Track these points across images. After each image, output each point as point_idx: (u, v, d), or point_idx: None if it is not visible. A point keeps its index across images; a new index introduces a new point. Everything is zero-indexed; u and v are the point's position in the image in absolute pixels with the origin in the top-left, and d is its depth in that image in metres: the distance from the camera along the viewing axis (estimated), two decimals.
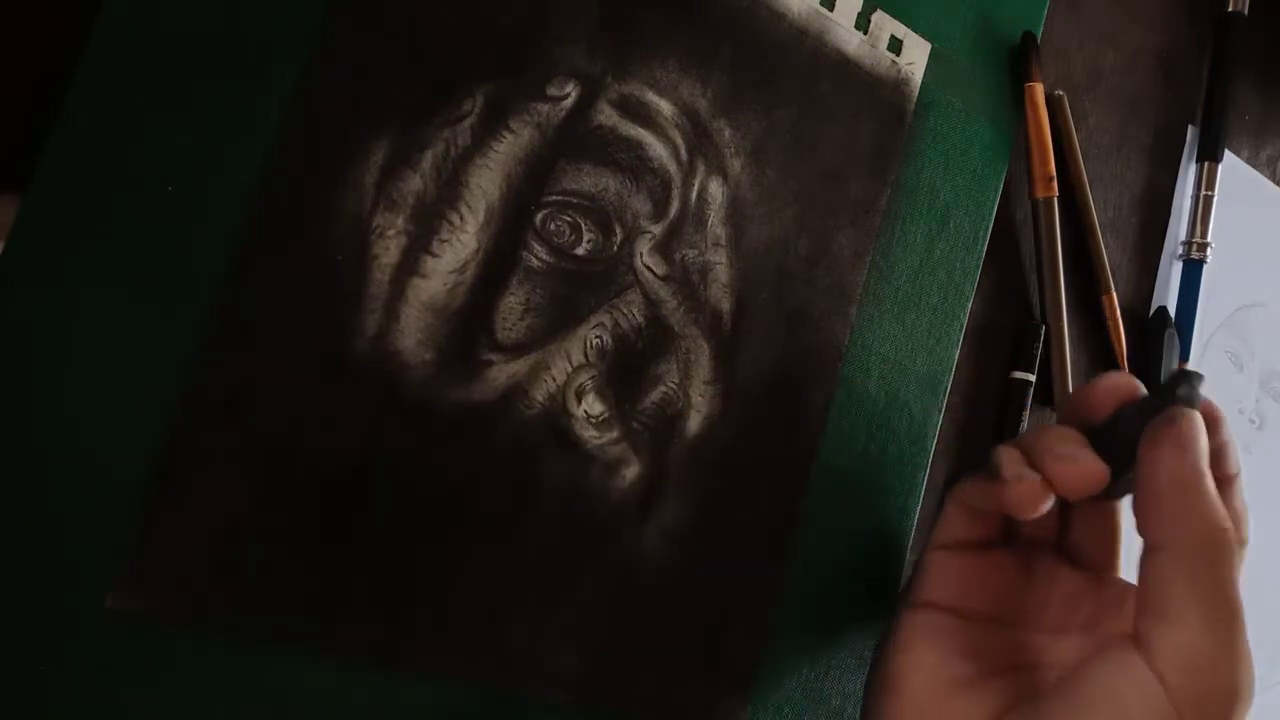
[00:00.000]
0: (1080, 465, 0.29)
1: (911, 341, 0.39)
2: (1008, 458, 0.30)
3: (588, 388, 0.33)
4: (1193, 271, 0.48)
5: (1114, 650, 0.27)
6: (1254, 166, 0.52)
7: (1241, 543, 0.29)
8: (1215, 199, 0.48)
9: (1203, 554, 0.27)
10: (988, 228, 0.41)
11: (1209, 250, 0.48)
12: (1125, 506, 0.31)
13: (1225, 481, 0.29)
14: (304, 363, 0.29)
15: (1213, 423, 0.29)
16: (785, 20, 0.36)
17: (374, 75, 0.29)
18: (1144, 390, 0.31)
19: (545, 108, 0.32)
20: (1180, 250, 0.48)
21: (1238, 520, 0.29)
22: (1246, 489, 0.30)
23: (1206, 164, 0.48)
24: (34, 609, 0.26)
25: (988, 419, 0.42)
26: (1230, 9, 0.49)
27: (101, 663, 0.26)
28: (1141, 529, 0.28)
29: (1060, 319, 0.43)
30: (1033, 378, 0.42)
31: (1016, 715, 0.28)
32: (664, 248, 0.34)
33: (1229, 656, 0.26)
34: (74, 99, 0.26)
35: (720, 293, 0.35)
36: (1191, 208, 0.49)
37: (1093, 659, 0.28)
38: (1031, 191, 0.42)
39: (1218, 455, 0.29)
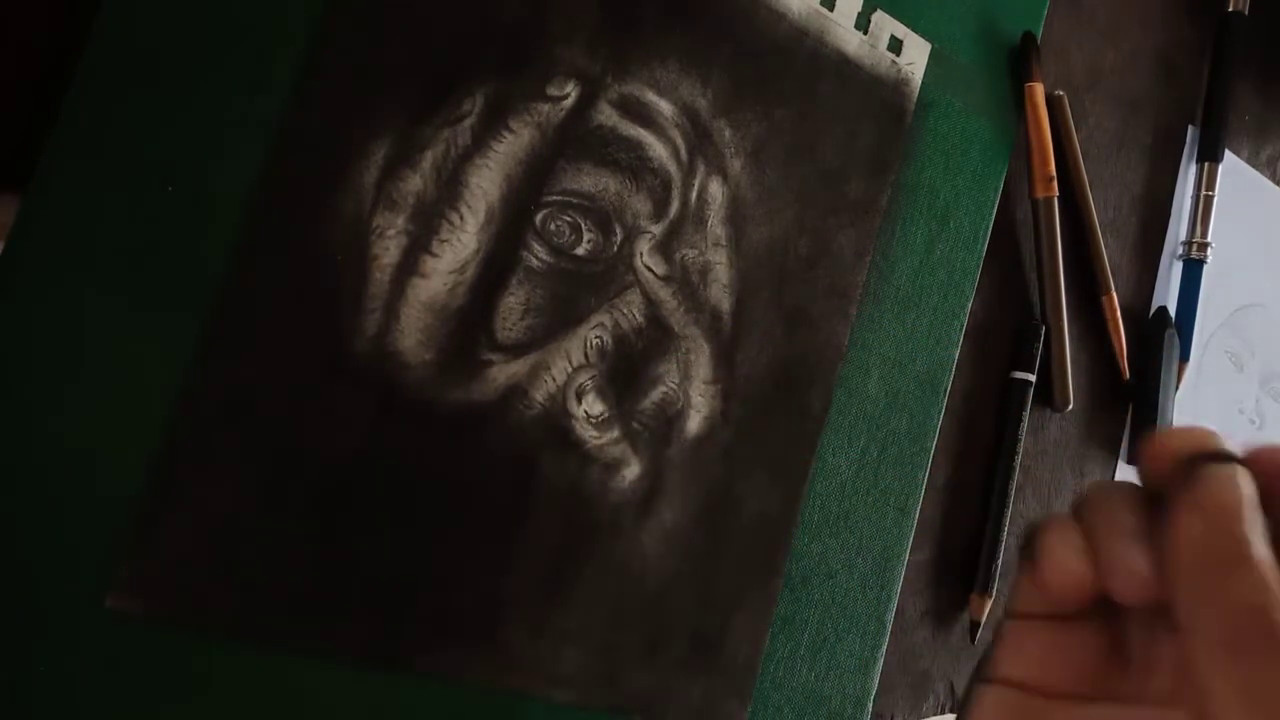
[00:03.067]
0: (1127, 567, 0.22)
1: (911, 341, 0.39)
2: (1054, 536, 0.24)
3: (588, 388, 0.33)
4: (1193, 271, 0.48)
5: None
6: (1254, 166, 0.52)
7: None
8: (1215, 199, 0.48)
9: (1235, 643, 0.21)
10: (988, 228, 0.41)
11: (1209, 250, 0.48)
12: None
13: None
14: (304, 363, 0.29)
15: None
16: (785, 20, 0.36)
17: (374, 75, 0.29)
18: (1216, 444, 0.24)
19: (545, 108, 0.32)
20: (1180, 250, 0.48)
21: None
22: None
23: (1206, 164, 0.48)
24: (34, 609, 0.26)
25: (988, 419, 0.42)
26: (1230, 9, 0.49)
27: (101, 663, 0.26)
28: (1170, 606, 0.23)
29: (1060, 319, 0.43)
30: (1033, 378, 0.42)
31: None
32: (664, 248, 0.34)
33: None
34: (74, 99, 0.26)
35: (720, 293, 0.35)
36: (1191, 208, 0.49)
37: None
38: (1031, 191, 0.42)
39: None
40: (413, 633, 0.30)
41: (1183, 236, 0.49)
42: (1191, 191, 0.49)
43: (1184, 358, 0.47)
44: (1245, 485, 0.21)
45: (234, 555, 0.28)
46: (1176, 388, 0.47)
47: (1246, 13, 0.49)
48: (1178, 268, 0.48)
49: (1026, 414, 0.42)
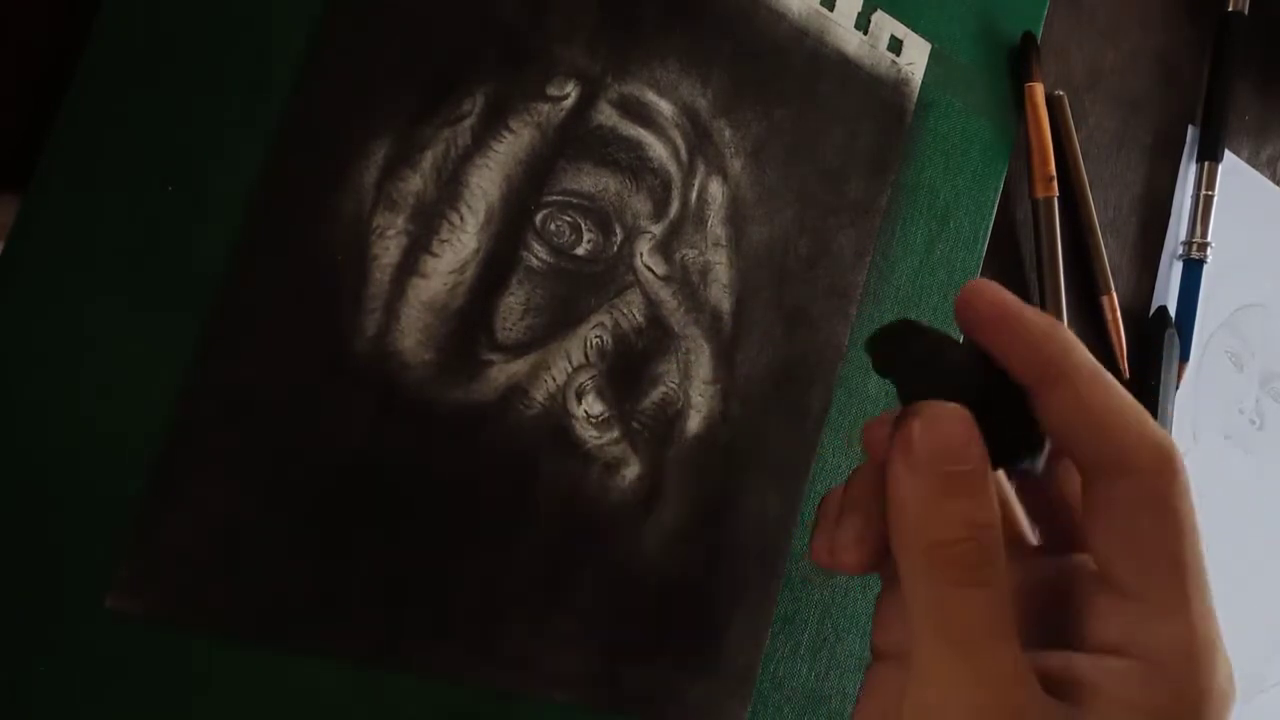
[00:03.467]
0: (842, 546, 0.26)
1: None
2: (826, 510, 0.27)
3: (588, 388, 0.33)
4: (1193, 271, 0.48)
5: None
6: (1254, 166, 0.52)
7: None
8: (1215, 199, 0.48)
9: (921, 575, 0.23)
10: (988, 228, 0.41)
11: (1209, 250, 0.48)
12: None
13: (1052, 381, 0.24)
14: (304, 363, 0.29)
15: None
16: (785, 20, 0.36)
17: (374, 75, 0.29)
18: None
19: (545, 107, 0.32)
20: (1180, 250, 0.48)
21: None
22: (1246, 489, 0.28)
23: (1206, 164, 0.48)
24: (34, 609, 0.26)
25: None
26: (1230, 9, 0.49)
27: (101, 663, 0.26)
28: None
29: (1060, 319, 0.43)
30: None
31: None
32: (664, 248, 0.34)
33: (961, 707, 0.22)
34: (74, 99, 0.26)
35: (720, 293, 0.35)
36: (1191, 208, 0.49)
37: None
38: (1031, 191, 0.42)
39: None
40: (413, 633, 0.30)
41: (1183, 236, 0.49)
42: (1191, 191, 0.49)
43: (1184, 358, 0.47)
44: (937, 434, 0.24)
45: (234, 555, 0.28)
46: (1176, 387, 0.47)
47: (1246, 12, 0.49)
48: (1178, 268, 0.48)
49: None
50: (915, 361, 0.25)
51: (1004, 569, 0.23)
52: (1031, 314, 0.25)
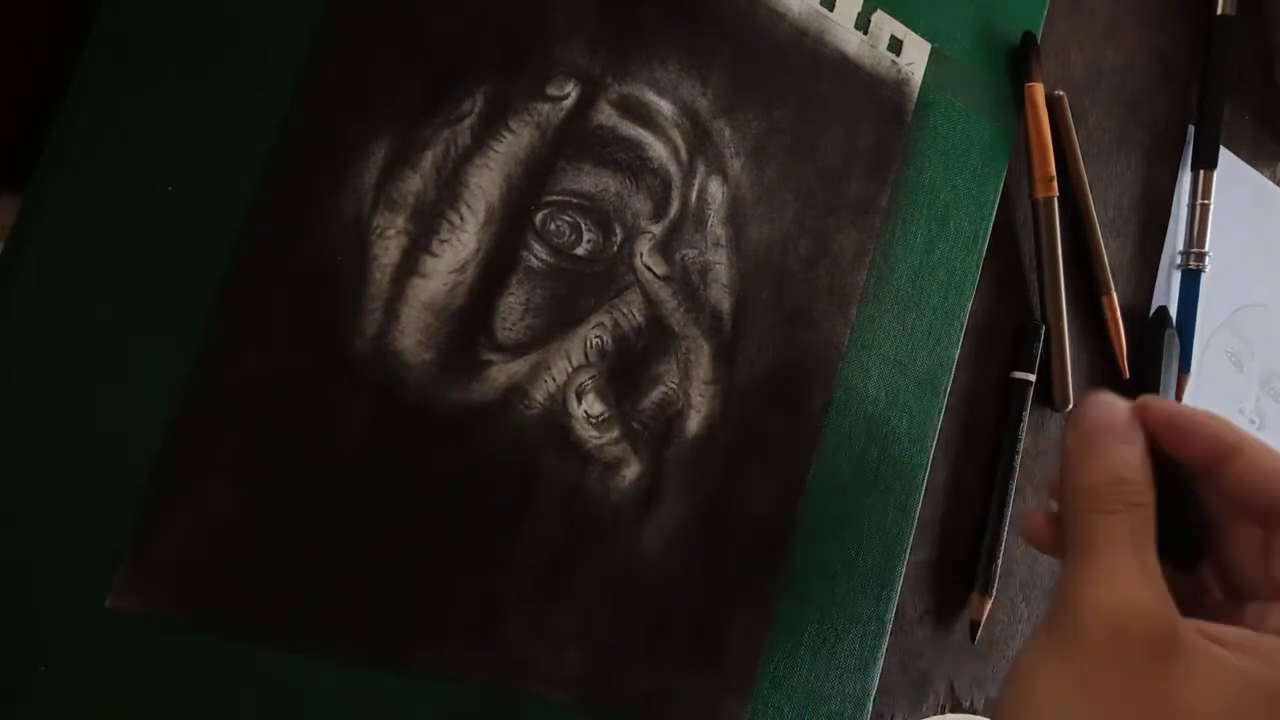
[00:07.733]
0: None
1: (911, 341, 0.39)
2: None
3: (588, 388, 0.33)
4: (1191, 282, 0.48)
5: None
6: (1254, 166, 0.52)
7: None
8: (1212, 207, 0.48)
9: (1072, 507, 0.28)
10: (988, 228, 0.41)
11: (1207, 259, 0.48)
12: None
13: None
14: (304, 363, 0.29)
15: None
16: (785, 20, 0.36)
17: (374, 75, 0.29)
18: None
19: (545, 107, 0.32)
20: (1179, 260, 0.48)
21: None
22: None
23: (1202, 172, 0.48)
24: (34, 609, 0.26)
25: (988, 419, 0.42)
26: (1219, 11, 0.49)
27: (101, 663, 0.26)
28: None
29: (1060, 319, 0.43)
30: (1033, 378, 0.42)
31: None
32: (664, 248, 0.34)
33: None
34: (74, 99, 0.26)
35: (720, 293, 0.35)
36: (1188, 217, 0.48)
37: None
38: (1031, 191, 0.42)
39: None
40: (413, 633, 0.30)
41: (1180, 246, 0.48)
42: (1188, 199, 0.49)
43: (1184, 369, 0.47)
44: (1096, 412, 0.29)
45: (234, 555, 0.28)
46: (1178, 400, 0.47)
47: (1234, 14, 0.49)
48: (1177, 274, 0.48)
49: (1026, 414, 0.42)
50: None
51: (1141, 511, 0.27)
52: (1199, 413, 0.30)
